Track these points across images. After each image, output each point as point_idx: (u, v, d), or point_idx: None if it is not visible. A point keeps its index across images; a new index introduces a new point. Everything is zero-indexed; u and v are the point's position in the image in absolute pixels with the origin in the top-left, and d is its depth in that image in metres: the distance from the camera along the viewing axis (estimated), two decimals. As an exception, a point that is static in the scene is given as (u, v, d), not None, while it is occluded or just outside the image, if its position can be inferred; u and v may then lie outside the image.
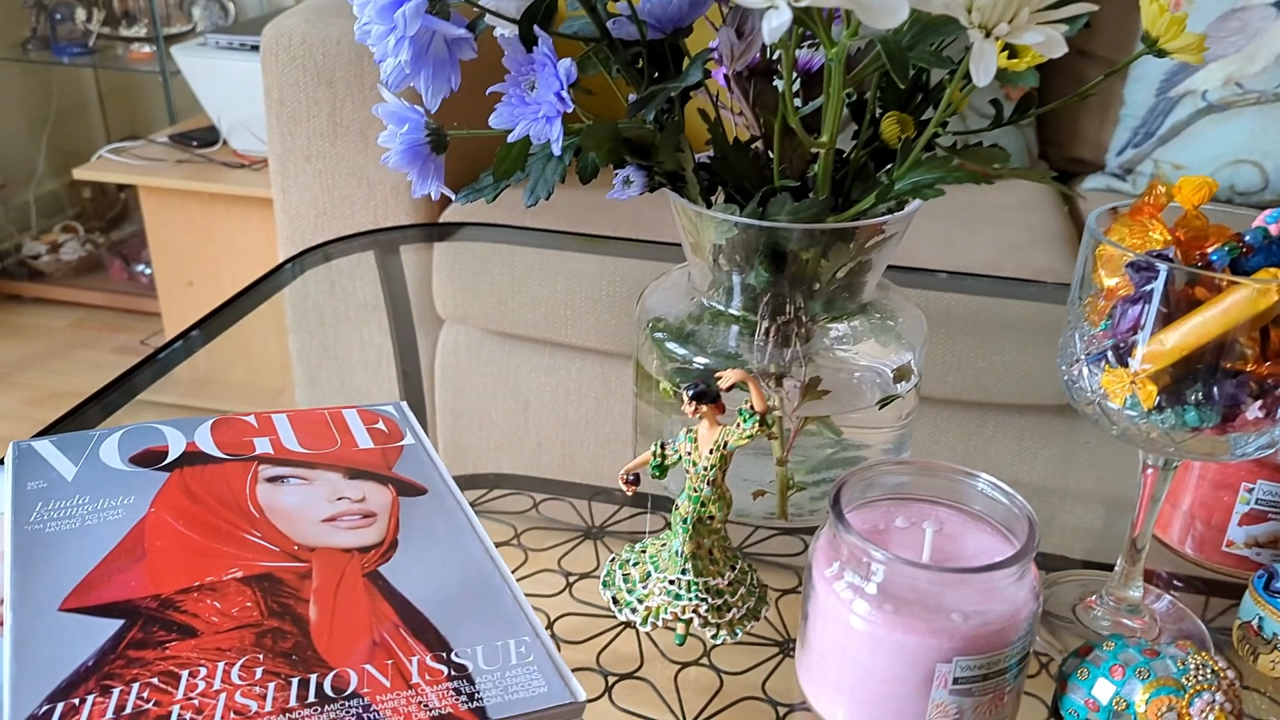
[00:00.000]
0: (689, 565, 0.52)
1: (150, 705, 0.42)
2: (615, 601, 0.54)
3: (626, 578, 0.55)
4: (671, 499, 0.53)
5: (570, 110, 0.49)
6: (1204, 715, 0.42)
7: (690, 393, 0.50)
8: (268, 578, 0.50)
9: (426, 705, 0.44)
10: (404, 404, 0.68)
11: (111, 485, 0.56)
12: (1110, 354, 0.44)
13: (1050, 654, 0.53)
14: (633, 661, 0.52)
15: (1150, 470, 0.51)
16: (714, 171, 0.58)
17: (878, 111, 0.56)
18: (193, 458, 0.59)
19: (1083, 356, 0.46)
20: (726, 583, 0.53)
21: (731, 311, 0.60)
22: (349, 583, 0.51)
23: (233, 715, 0.42)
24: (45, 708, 0.42)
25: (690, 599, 0.52)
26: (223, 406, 0.68)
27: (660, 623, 0.52)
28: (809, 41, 0.58)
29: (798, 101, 0.57)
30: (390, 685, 0.45)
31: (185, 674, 0.44)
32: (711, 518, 0.52)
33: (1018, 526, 0.46)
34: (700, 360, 0.59)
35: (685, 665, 0.52)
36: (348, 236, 1.01)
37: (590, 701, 0.49)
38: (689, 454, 0.52)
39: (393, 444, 0.63)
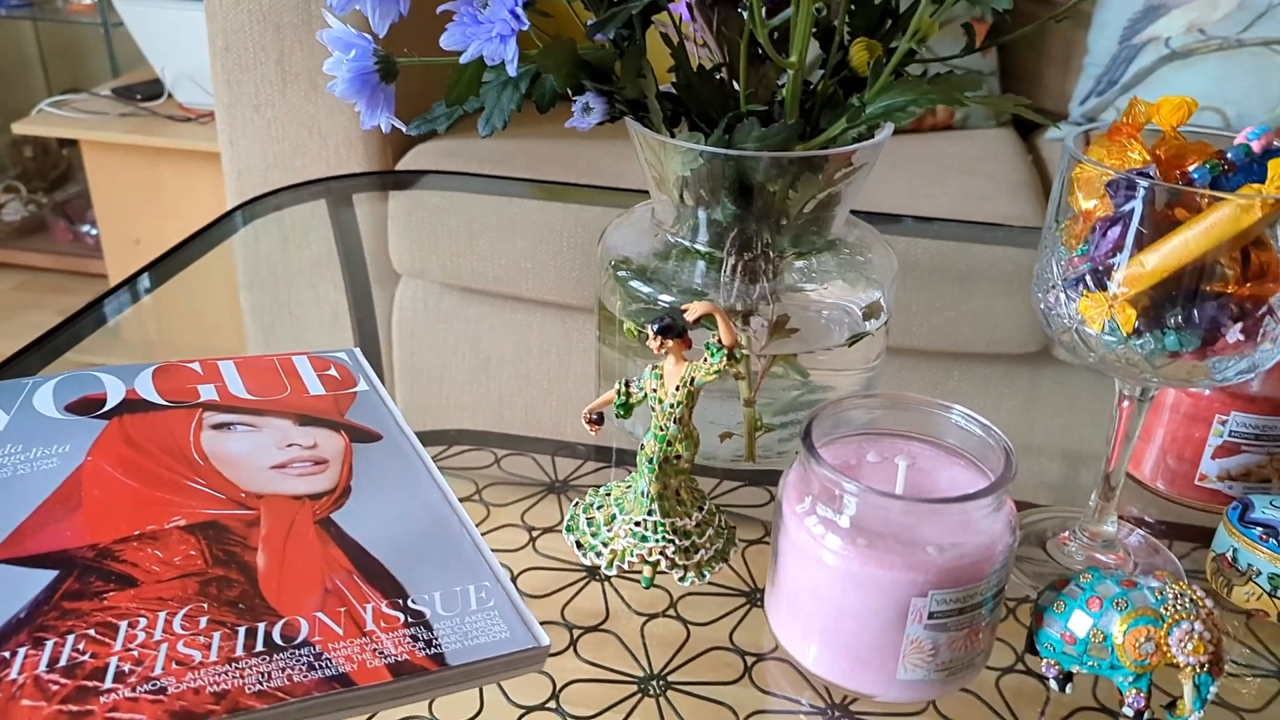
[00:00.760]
0: (655, 506, 0.50)
1: (86, 657, 0.40)
2: (579, 546, 0.52)
3: (591, 521, 0.53)
4: (638, 451, 0.51)
5: (526, 28, 0.46)
6: (1183, 645, 0.41)
7: (655, 327, 0.48)
8: (213, 526, 0.48)
9: (382, 653, 0.42)
10: (357, 350, 0.66)
11: (46, 434, 0.53)
12: (1088, 278, 0.43)
13: (1025, 593, 0.52)
14: (598, 615, 0.51)
15: (1126, 402, 0.50)
16: (677, 101, 0.56)
17: (846, 38, 0.54)
18: (133, 405, 0.56)
19: (1060, 282, 0.44)
20: (694, 524, 0.51)
21: (697, 248, 0.58)
22: (299, 530, 0.48)
23: (174, 665, 0.40)
24: (-28, 661, 0.39)
25: (657, 540, 0.50)
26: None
27: (626, 565, 0.51)
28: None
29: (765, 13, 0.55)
30: (343, 633, 0.43)
31: (124, 625, 0.42)
32: (678, 457, 0.50)
33: (993, 459, 0.45)
34: (665, 299, 0.57)
35: (651, 617, 0.51)
36: (298, 185, 0.97)
37: (555, 655, 0.48)
38: (654, 391, 0.50)
39: (345, 390, 0.61)
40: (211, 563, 0.46)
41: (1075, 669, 0.44)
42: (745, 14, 0.50)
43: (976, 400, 1.19)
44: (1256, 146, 0.42)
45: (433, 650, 0.42)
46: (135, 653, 0.40)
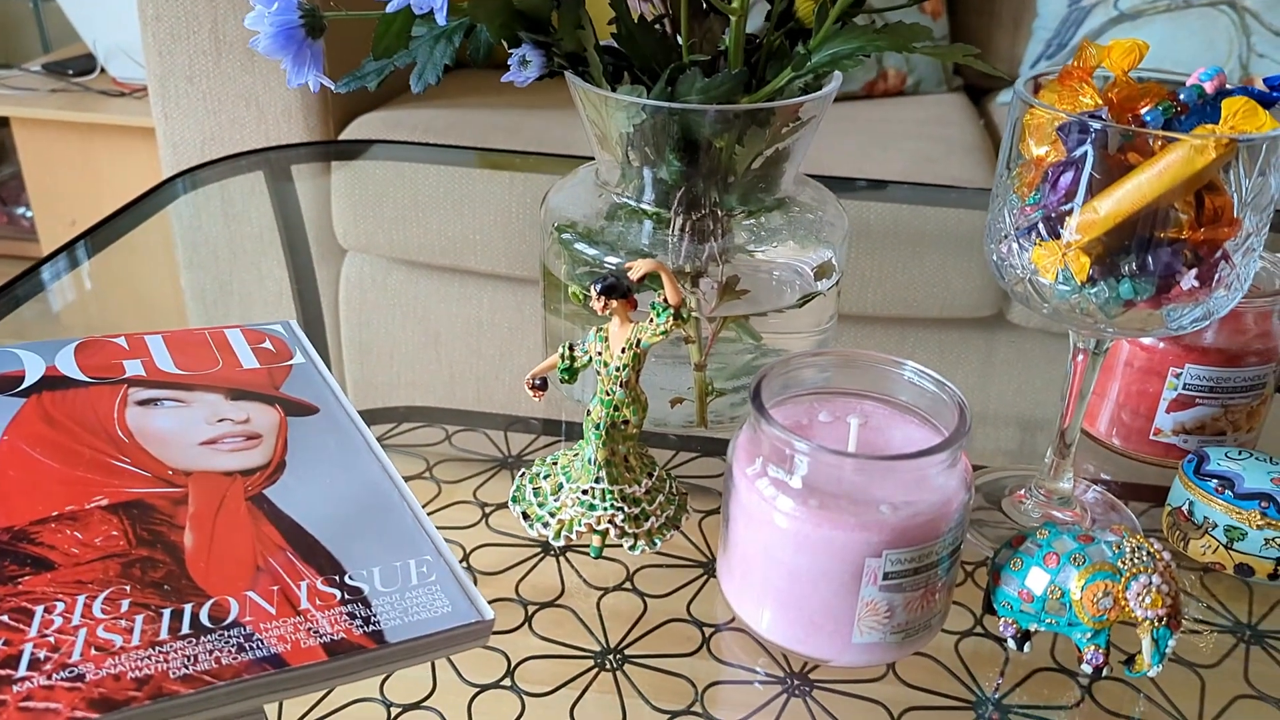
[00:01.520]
0: (603, 473, 0.49)
1: (-2, 645, 0.37)
2: (526, 517, 0.51)
3: (537, 491, 0.51)
4: (585, 418, 0.49)
5: (454, -26, 0.44)
6: (1140, 598, 0.41)
7: (598, 287, 0.46)
8: (137, 505, 0.45)
9: (317, 631, 0.40)
10: (293, 322, 0.63)
11: (-43, 413, 0.50)
12: (1041, 226, 0.42)
13: (983, 554, 0.51)
14: (553, 590, 0.49)
15: (1080, 356, 0.49)
16: (618, 54, 0.54)
17: (791, -13, 0.52)
18: (53, 382, 0.54)
19: (1012, 231, 0.43)
20: (644, 491, 0.50)
21: (643, 207, 0.56)
22: (230, 507, 0.46)
23: (94, 651, 0.38)
24: None
25: (605, 508, 0.48)
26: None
27: (574, 535, 0.49)
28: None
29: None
30: (276, 612, 0.41)
31: (40, 610, 0.39)
32: (626, 422, 0.49)
33: (947, 415, 0.44)
34: (612, 260, 0.55)
35: (607, 591, 0.49)
36: (234, 155, 0.94)
37: (509, 632, 0.46)
38: (599, 354, 0.48)
39: (280, 363, 0.58)
40: (135, 543, 0.43)
41: (1033, 627, 0.43)
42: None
43: (931, 366, 1.19)
44: (1209, 87, 0.41)
45: (371, 628, 0.40)
46: (51, 639, 0.38)
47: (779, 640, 0.44)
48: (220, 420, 0.52)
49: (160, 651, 0.38)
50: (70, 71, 1.80)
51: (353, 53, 0.59)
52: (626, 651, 0.46)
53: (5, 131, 2.14)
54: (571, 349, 0.49)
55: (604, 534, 0.49)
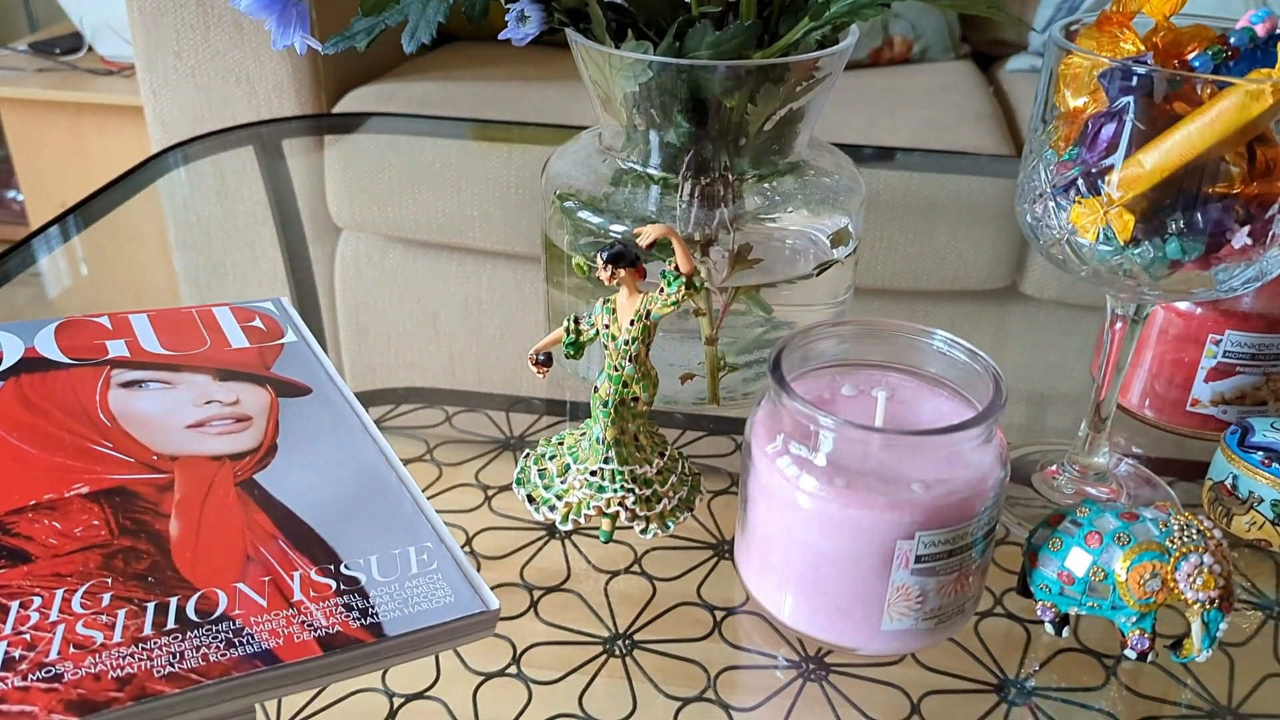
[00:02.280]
0: (612, 453, 0.46)
1: (-32, 644, 0.35)
2: (531, 500, 0.48)
3: (543, 473, 0.49)
4: (592, 395, 0.47)
5: (447, -80, 0.41)
6: (1191, 579, 0.38)
7: (605, 255, 0.43)
8: (119, 492, 0.43)
9: (311, 625, 0.37)
10: (284, 299, 0.61)
11: (-70, 398, 0.48)
12: (1080, 182, 0.39)
13: (1011, 533, 0.49)
14: (559, 575, 0.47)
15: (1119, 324, 0.46)
16: (622, 9, 0.51)
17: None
18: (32, 364, 0.51)
19: (1048, 189, 0.40)
20: (655, 471, 0.47)
21: (650, 173, 0.53)
22: (218, 493, 0.44)
23: (72, 649, 0.35)
24: None
25: (615, 490, 0.46)
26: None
27: (582, 519, 0.46)
28: None
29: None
30: (268, 605, 0.38)
31: (15, 605, 0.37)
32: (635, 399, 0.46)
33: (980, 387, 0.41)
34: (617, 229, 0.53)
35: (615, 574, 0.47)
36: (224, 130, 0.91)
37: (515, 618, 0.44)
38: (607, 328, 0.45)
39: (271, 342, 0.56)
40: (118, 533, 0.41)
41: (1073, 611, 0.41)
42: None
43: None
44: (1261, 30, 0.38)
45: (369, 620, 0.38)
46: (27, 636, 0.36)
47: (803, 628, 0.42)
48: (208, 402, 0.50)
49: (143, 648, 0.36)
50: (57, 50, 1.76)
51: (343, 17, 0.56)
52: (636, 637, 0.44)
53: (-6, 115, 2.11)
54: (577, 322, 0.46)
55: (614, 517, 0.46)
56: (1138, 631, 0.40)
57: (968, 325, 1.10)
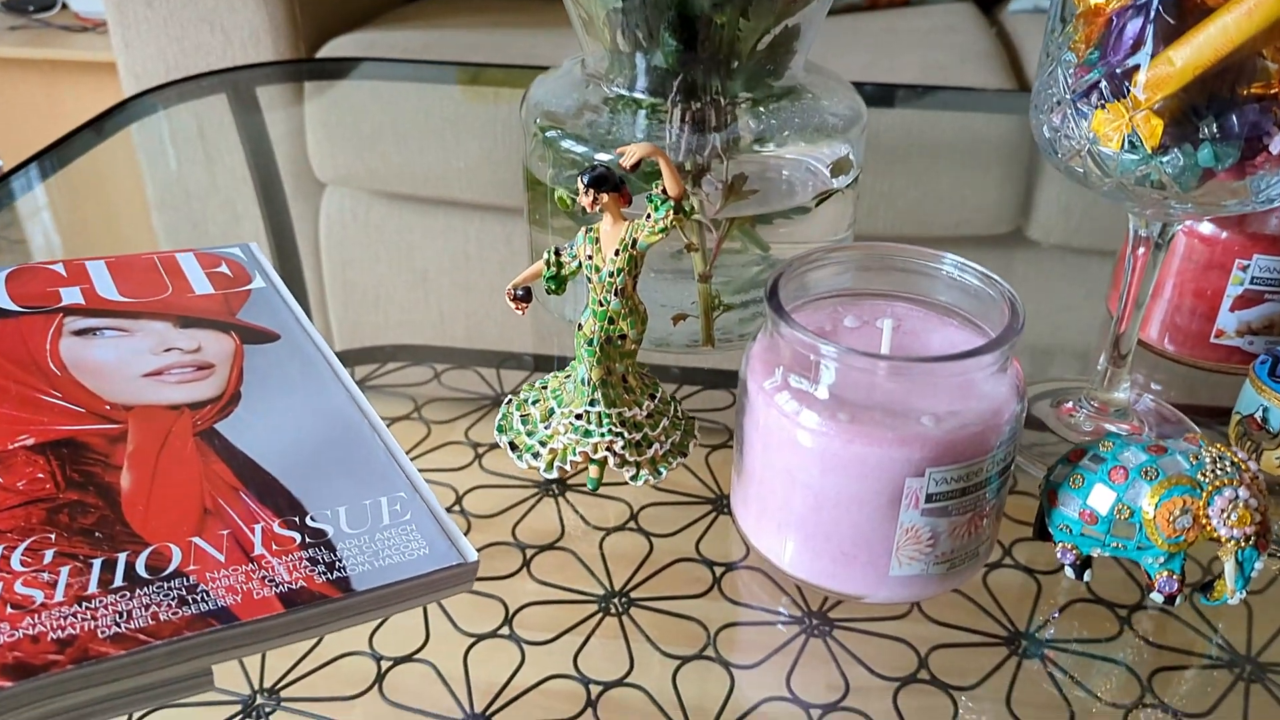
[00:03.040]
0: (598, 395, 0.43)
1: (-106, 606, 0.32)
2: (514, 448, 0.45)
3: (525, 419, 0.45)
4: (576, 333, 0.43)
5: None
6: (1225, 515, 0.35)
7: (586, 179, 0.40)
8: (68, 443, 0.40)
9: (272, 580, 0.35)
10: (253, 245, 0.57)
11: None
12: (1103, 85, 0.35)
13: (1023, 473, 0.46)
14: (553, 533, 0.44)
15: (1141, 248, 0.43)
16: (603, -81, 0.47)
17: None
18: (-21, 313, 0.48)
19: (1068, 96, 0.37)
20: (645, 414, 0.44)
21: (636, 96, 0.50)
22: (175, 444, 0.41)
23: (9, 610, 0.32)
24: None
25: (602, 434, 0.43)
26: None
27: (568, 465, 0.43)
28: None
29: None
30: (226, 560, 0.35)
31: (-51, 565, 0.34)
32: (623, 337, 0.43)
33: (993, 315, 0.38)
34: (602, 158, 0.49)
35: (610, 531, 0.44)
36: (195, 76, 0.87)
37: (506, 578, 0.41)
38: (590, 259, 0.42)
39: (238, 288, 0.53)
40: (64, 486, 0.38)
41: (1096, 552, 0.38)
42: None
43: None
44: (1304, -88, 0.34)
45: (335, 574, 0.35)
46: (-39, 597, 0.33)
47: (805, 576, 0.39)
48: (167, 350, 0.47)
49: (88, 607, 0.33)
50: (31, 8, 1.72)
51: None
52: (632, 594, 0.41)
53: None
54: (558, 253, 0.43)
55: (602, 463, 0.43)
56: (1166, 573, 0.37)
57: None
